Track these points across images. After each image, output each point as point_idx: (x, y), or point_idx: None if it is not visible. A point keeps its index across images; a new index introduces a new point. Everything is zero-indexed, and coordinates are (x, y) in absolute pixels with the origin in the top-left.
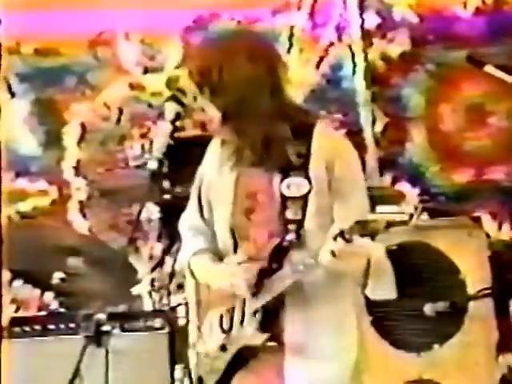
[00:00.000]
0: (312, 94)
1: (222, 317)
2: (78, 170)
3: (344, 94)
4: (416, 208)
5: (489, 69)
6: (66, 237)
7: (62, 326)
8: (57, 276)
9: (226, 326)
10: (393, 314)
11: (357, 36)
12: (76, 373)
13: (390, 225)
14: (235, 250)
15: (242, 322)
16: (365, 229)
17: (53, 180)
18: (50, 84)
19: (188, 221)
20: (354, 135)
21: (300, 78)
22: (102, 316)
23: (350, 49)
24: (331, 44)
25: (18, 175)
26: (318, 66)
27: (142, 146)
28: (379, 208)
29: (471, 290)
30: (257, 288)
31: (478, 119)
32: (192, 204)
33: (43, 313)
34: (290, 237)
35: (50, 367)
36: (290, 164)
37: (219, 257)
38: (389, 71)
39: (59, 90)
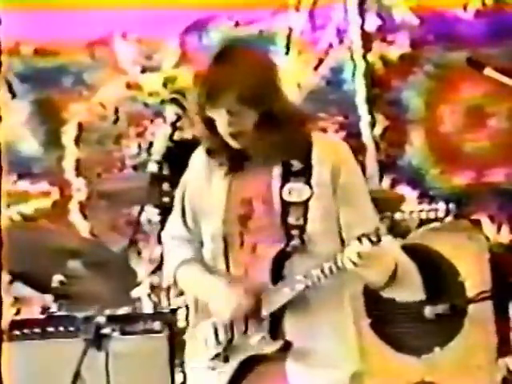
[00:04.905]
0: (311, 95)
1: (216, 328)
2: (78, 169)
3: (344, 97)
4: (447, 203)
5: (489, 72)
6: (67, 239)
7: (62, 329)
8: (56, 279)
9: (222, 337)
10: (392, 316)
11: (357, 38)
12: (76, 376)
13: (422, 223)
14: (226, 260)
15: (245, 331)
16: (396, 228)
17: (54, 181)
18: (48, 84)
19: (171, 230)
20: (354, 138)
21: (298, 80)
22: (101, 319)
23: (351, 51)
24: (331, 46)
25: (20, 177)
26: (316, 68)
27: (139, 145)
28: (408, 206)
29: (471, 292)
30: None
31: (478, 121)
32: (175, 213)
33: (43, 316)
34: (294, 242)
35: (50, 370)
36: (290, 168)
37: (206, 267)
38: (388, 74)
39: (57, 90)
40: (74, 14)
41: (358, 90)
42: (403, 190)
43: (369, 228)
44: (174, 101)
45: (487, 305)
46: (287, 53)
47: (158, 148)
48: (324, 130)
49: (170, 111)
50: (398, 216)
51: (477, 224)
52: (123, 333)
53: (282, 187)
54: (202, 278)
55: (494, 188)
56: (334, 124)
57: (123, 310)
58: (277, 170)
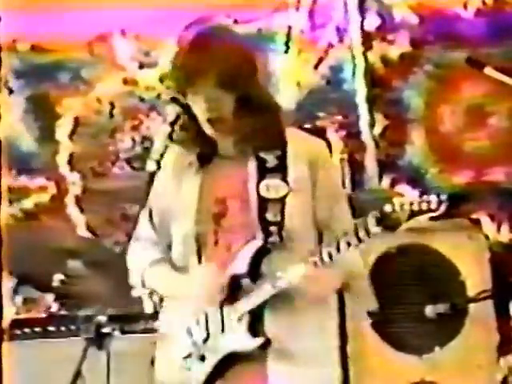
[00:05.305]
0: (310, 94)
1: (190, 326)
2: (72, 164)
3: (344, 96)
4: (439, 195)
5: (488, 71)
6: (67, 239)
7: (63, 328)
8: (57, 278)
9: (197, 335)
10: (393, 316)
11: (357, 37)
12: (77, 375)
13: (413, 215)
14: (199, 260)
15: (222, 329)
16: (385, 220)
17: (50, 176)
18: (45, 80)
19: (137, 232)
20: (354, 137)
21: (298, 79)
22: (102, 318)
23: (351, 50)
24: (331, 45)
25: (20, 172)
26: (316, 67)
27: (133, 139)
28: (398, 199)
29: (471, 292)
30: (231, 295)
31: (478, 120)
32: (141, 214)
33: (43, 315)
34: (273, 239)
35: (51, 369)
36: (265, 165)
37: (176, 268)
38: (388, 73)
39: (54, 85)
40: (74, 11)
41: (358, 89)
42: (403, 189)
43: (345, 227)
44: (174, 100)
45: (488, 304)
46: (287, 51)
47: (157, 147)
48: (323, 129)
49: (170, 110)
50: (387, 208)
51: (477, 223)
52: (124, 332)
53: (258, 184)
54: (174, 275)
55: (494, 187)
56: (334, 123)
57: (124, 310)
58: (252, 167)
